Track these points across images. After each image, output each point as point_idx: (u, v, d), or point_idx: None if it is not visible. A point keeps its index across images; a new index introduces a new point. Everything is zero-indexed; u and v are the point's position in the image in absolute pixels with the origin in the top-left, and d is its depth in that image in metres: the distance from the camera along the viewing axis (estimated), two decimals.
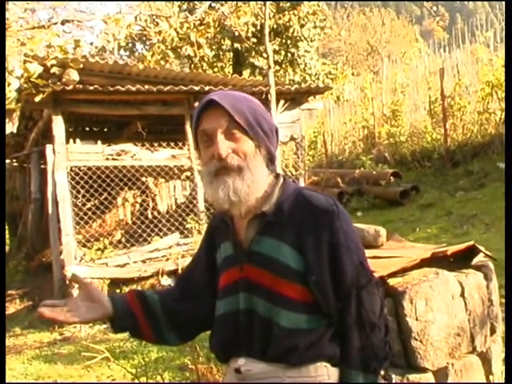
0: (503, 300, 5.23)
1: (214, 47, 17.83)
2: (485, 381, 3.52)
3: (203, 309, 2.07)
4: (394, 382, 3.08)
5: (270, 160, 1.91)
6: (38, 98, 7.82)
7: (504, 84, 11.39)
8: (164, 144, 9.54)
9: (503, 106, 13.29)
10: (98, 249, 9.09)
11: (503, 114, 13.17)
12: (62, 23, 7.82)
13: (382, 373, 1.97)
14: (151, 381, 4.40)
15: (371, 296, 1.89)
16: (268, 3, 9.28)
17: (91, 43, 18.14)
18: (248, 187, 1.83)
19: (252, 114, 1.87)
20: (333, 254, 1.84)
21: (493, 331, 3.67)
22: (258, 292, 1.88)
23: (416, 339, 3.14)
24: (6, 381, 2.94)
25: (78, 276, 2.11)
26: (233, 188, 1.83)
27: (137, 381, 4.29)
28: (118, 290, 8.64)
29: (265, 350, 1.86)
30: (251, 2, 10.81)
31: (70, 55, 8.29)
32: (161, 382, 4.40)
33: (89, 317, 1.97)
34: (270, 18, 13.65)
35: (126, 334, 6.39)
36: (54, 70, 7.91)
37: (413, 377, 3.14)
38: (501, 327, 3.87)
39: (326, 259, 1.84)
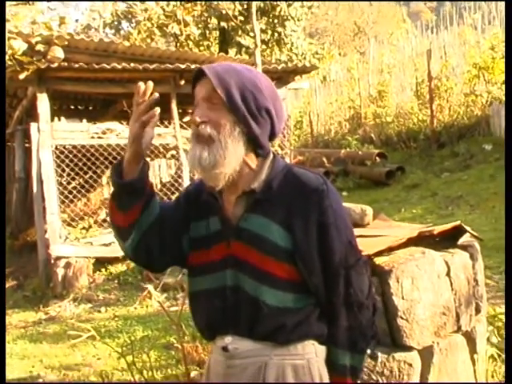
0: (488, 280, 5.28)
1: (200, 26, 17.69)
2: (469, 360, 3.55)
3: (164, 252, 1.99)
4: (379, 360, 3.10)
5: (253, 140, 1.85)
6: (22, 76, 7.72)
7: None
8: None
9: (490, 88, 13.34)
10: (83, 228, 9.06)
11: (489, 95, 13.23)
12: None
13: (369, 351, 1.97)
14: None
15: (360, 275, 1.88)
16: None
17: (76, 20, 17.96)
18: (214, 160, 1.80)
19: (239, 87, 1.82)
20: (321, 234, 1.83)
21: (478, 311, 3.69)
22: (244, 269, 1.86)
23: (402, 318, 3.15)
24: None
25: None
26: (198, 157, 1.82)
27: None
28: (103, 269, 8.63)
29: (252, 329, 1.85)
30: None
31: (54, 32, 8.19)
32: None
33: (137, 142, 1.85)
34: None
35: (111, 314, 6.39)
36: (39, 47, 7.81)
37: (398, 355, 3.15)
38: (485, 307, 3.90)
39: (315, 238, 1.83)
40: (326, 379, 1.88)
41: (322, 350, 1.89)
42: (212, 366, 1.98)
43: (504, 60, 12.55)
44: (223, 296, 1.90)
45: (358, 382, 1.96)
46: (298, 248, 1.83)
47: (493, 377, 3.67)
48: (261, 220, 1.85)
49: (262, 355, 1.85)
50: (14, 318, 7.66)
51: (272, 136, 1.91)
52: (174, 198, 9.22)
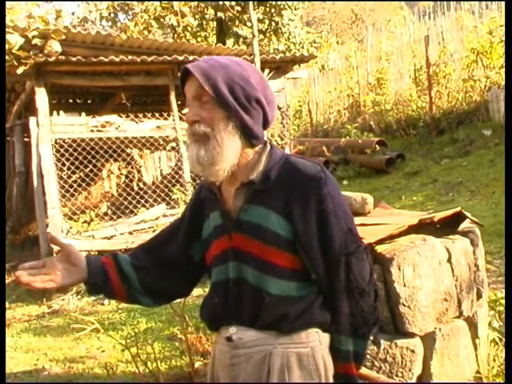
0: (489, 266, 5.30)
1: (197, 16, 17.64)
2: (471, 345, 3.57)
3: (175, 276, 2.10)
4: (382, 347, 3.12)
5: (247, 131, 1.86)
6: (20, 70, 7.72)
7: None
8: (149, 115, 9.46)
9: (488, 73, 13.30)
10: (85, 221, 9.05)
11: (488, 81, 13.19)
12: None
13: (372, 337, 1.99)
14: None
15: (360, 262, 1.90)
16: None
17: (73, 13, 17.90)
18: (212, 157, 1.82)
19: (226, 82, 1.82)
20: (321, 221, 1.84)
21: (479, 296, 3.71)
22: (246, 260, 1.89)
23: (404, 305, 3.17)
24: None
25: (57, 238, 2.11)
26: (196, 156, 1.85)
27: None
28: None
29: (255, 319, 1.88)
30: None
31: (51, 26, 8.17)
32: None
33: (66, 281, 1.97)
34: None
35: (114, 306, 6.40)
36: (36, 41, 7.80)
37: (401, 342, 3.18)
38: (487, 292, 3.92)
39: (314, 226, 1.84)
40: (331, 366, 1.90)
41: (325, 337, 1.91)
42: (217, 356, 2.00)
43: (503, 45, 12.53)
44: (226, 288, 1.93)
45: (362, 367, 1.99)
46: (298, 236, 1.85)
47: (494, 361, 3.70)
48: (260, 210, 1.87)
49: (267, 344, 1.87)
50: (17, 311, 7.68)
51: (265, 124, 1.92)
52: (174, 189, 9.23)
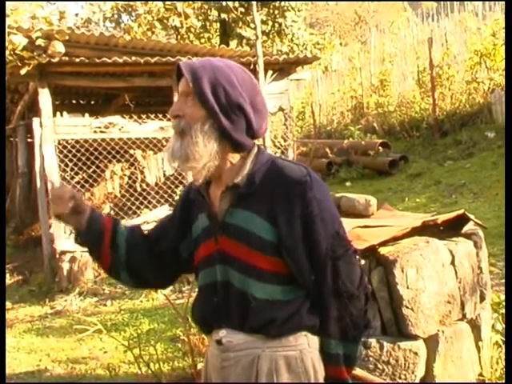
0: (492, 268, 5.29)
1: (200, 18, 17.65)
2: (474, 347, 3.56)
3: (160, 267, 2.12)
4: (385, 349, 3.11)
5: (225, 135, 1.85)
6: (23, 71, 7.74)
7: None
8: (152, 116, 9.46)
9: (492, 75, 13.29)
10: None
11: (491, 83, 13.18)
12: None
13: (362, 340, 1.99)
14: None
15: (349, 265, 1.88)
16: None
17: (76, 14, 17.92)
18: (185, 153, 1.84)
19: (211, 82, 1.83)
20: (307, 225, 1.83)
21: (482, 298, 3.71)
22: (232, 264, 1.89)
23: (407, 307, 3.17)
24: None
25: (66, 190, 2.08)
26: (172, 149, 1.87)
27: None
28: None
29: (243, 322, 1.88)
30: None
31: (55, 27, 8.20)
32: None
33: (65, 216, 2.05)
34: None
35: (117, 307, 6.40)
36: (39, 41, 7.83)
37: (404, 344, 3.17)
38: (490, 295, 3.92)
39: (300, 230, 1.83)
40: (321, 369, 1.90)
41: (314, 340, 1.91)
42: (209, 360, 2.02)
43: (505, 47, 12.53)
44: (215, 291, 1.94)
45: (354, 370, 1.99)
46: (283, 241, 1.84)
47: (497, 363, 3.69)
48: (245, 214, 1.87)
49: (255, 348, 1.87)
50: (20, 312, 7.69)
51: (252, 133, 1.90)
52: (177, 191, 9.25)
